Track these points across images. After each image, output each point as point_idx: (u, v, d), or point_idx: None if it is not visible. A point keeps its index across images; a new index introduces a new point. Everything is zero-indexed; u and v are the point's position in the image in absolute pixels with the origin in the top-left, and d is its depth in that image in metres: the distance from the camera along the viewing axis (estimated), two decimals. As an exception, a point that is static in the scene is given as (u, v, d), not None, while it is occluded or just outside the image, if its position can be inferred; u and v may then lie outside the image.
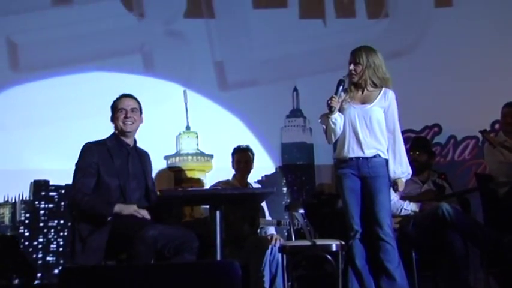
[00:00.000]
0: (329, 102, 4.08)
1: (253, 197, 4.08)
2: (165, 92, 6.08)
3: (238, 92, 6.21)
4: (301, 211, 4.73)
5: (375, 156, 4.09)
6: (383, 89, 4.16)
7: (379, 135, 4.11)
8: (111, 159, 3.88)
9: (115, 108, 4.03)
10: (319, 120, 4.20)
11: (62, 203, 5.82)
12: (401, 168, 4.13)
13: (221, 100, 6.19)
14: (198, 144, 6.14)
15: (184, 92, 6.06)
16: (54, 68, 6.04)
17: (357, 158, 4.08)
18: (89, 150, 3.89)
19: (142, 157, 4.08)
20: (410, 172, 4.20)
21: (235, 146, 5.29)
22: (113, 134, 4.03)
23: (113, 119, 4.03)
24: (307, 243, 4.42)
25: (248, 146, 5.32)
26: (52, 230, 5.84)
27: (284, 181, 6.15)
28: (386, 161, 4.12)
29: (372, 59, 4.15)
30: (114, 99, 4.10)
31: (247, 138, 6.01)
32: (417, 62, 6.18)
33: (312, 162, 6.17)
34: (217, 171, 5.94)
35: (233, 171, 5.25)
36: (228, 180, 5.20)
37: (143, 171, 4.01)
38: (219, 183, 5.14)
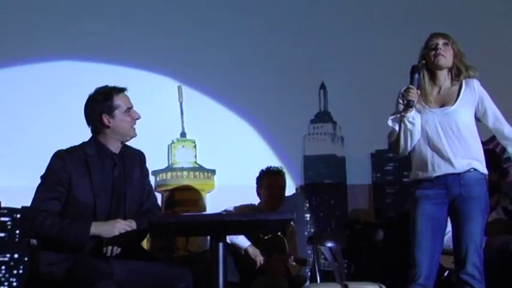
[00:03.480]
0: (405, 94, 3.99)
1: (265, 225, 4.02)
2: (153, 87, 6.08)
3: (247, 89, 6.21)
4: (330, 244, 4.76)
5: (469, 171, 4.01)
6: (463, 80, 4.09)
7: (472, 143, 4.04)
8: (88, 172, 3.83)
9: (115, 106, 3.86)
10: (390, 122, 4.07)
11: (17, 232, 5.84)
12: None
13: (226, 99, 6.21)
14: (196, 156, 6.20)
15: (179, 88, 6.10)
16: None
17: (445, 176, 4.00)
18: (60, 161, 3.82)
19: (128, 161, 3.98)
20: None
21: (265, 167, 5.22)
22: (93, 139, 3.92)
23: (110, 119, 3.85)
24: (337, 287, 4.42)
25: (281, 169, 5.28)
26: (3, 267, 5.86)
27: (307, 205, 6.18)
28: (485, 176, 4.06)
29: (458, 46, 4.11)
30: (104, 89, 3.90)
31: (259, 149, 6.08)
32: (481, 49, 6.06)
33: (344, 181, 6.20)
34: (220, 191, 5.99)
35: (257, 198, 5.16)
36: (253, 205, 5.10)
37: (125, 181, 3.92)
38: (235, 208, 5.00)
